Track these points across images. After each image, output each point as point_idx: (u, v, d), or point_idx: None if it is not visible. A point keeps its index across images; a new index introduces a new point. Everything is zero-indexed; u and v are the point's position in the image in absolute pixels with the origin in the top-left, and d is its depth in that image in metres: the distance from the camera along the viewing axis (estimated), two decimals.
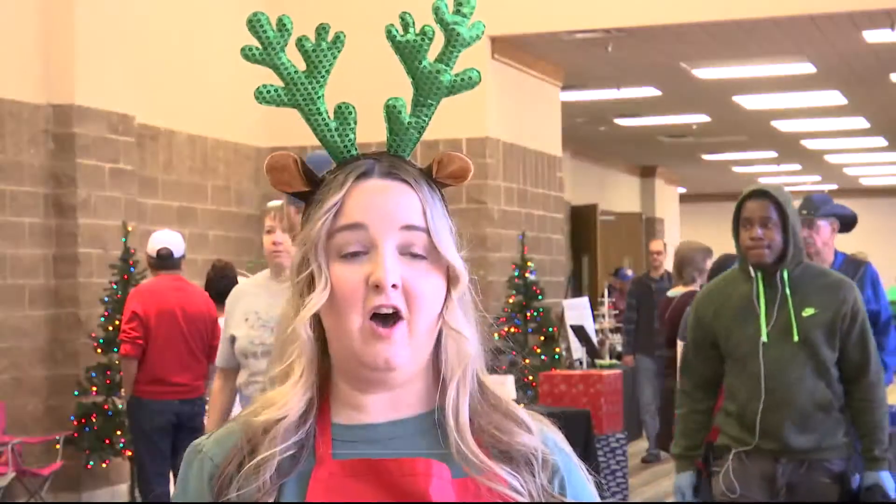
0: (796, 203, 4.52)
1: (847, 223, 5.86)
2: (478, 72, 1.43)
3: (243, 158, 10.60)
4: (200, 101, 9.92)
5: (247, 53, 1.41)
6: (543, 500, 1.37)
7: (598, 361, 9.85)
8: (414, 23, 1.40)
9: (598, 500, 1.45)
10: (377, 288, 1.33)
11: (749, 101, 14.75)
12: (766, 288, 4.17)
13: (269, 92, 1.41)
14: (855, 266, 5.84)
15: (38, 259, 8.23)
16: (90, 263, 8.40)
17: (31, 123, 8.17)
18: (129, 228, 8.52)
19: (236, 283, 6.85)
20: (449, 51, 1.41)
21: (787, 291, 4.13)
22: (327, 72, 1.41)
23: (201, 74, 9.83)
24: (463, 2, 1.41)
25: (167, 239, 6.88)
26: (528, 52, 10.98)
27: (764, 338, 4.12)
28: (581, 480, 1.43)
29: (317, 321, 1.38)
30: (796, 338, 4.09)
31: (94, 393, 8.26)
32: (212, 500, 1.36)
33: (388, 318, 1.34)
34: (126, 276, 8.26)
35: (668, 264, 9.92)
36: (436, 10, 1.41)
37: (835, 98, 14.45)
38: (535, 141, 11.42)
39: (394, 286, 1.33)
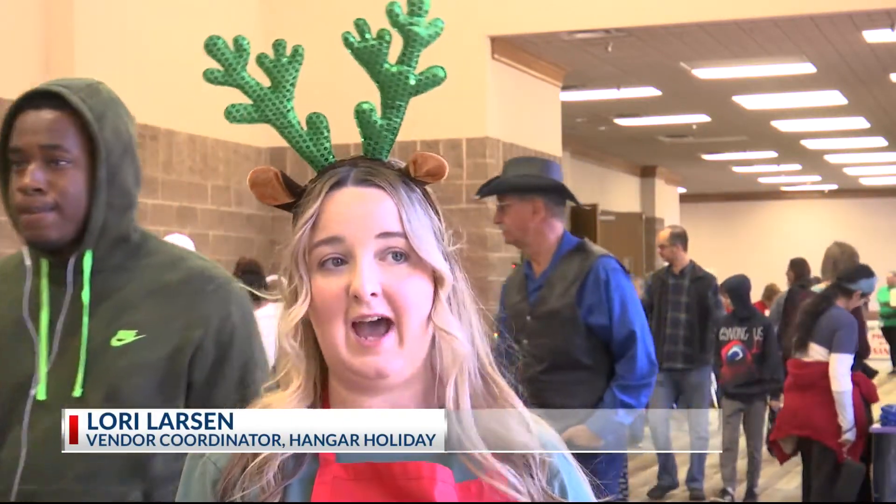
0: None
1: (558, 191, 4.32)
2: (443, 69, 1.42)
3: (243, 158, 10.60)
4: (200, 101, 9.89)
5: (209, 77, 1.42)
6: (543, 500, 1.37)
7: None
8: (369, 28, 1.40)
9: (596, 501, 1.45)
10: (357, 298, 1.33)
11: (749, 101, 14.75)
12: (52, 288, 2.17)
13: (238, 111, 1.42)
14: (583, 258, 4.22)
15: None
16: None
17: None
18: None
19: (263, 281, 6.71)
20: (409, 51, 1.41)
21: (85, 296, 2.13)
22: (292, 85, 1.42)
23: (201, 74, 9.82)
24: (416, 2, 1.41)
25: (179, 241, 6.89)
26: (528, 52, 10.97)
27: (40, 391, 2.10)
28: (580, 483, 1.43)
29: (310, 328, 1.39)
30: (78, 391, 2.07)
31: None
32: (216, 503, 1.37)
33: (377, 325, 1.34)
34: None
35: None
36: (389, 13, 1.41)
37: (835, 98, 14.45)
38: (535, 141, 11.41)
39: (373, 294, 1.34)
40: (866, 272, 6.93)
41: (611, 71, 12.44)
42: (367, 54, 1.40)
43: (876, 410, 7.21)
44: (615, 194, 19.97)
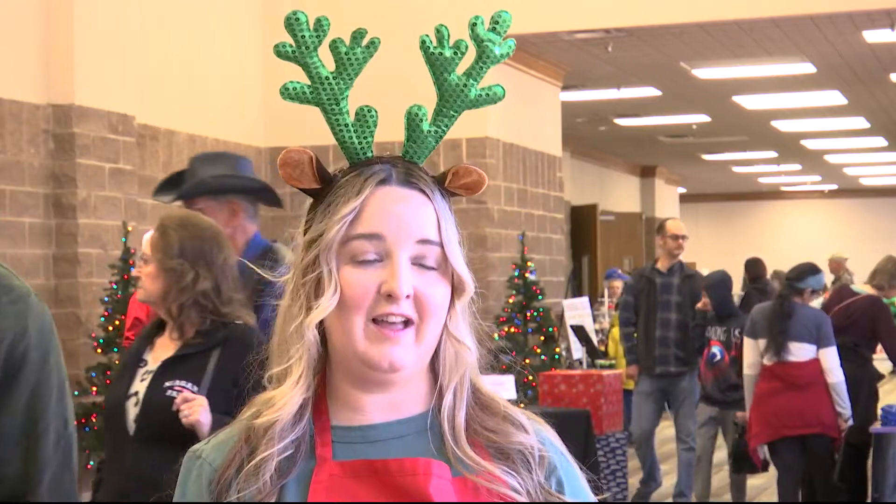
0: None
1: (261, 192, 4.07)
2: (502, 88, 1.46)
3: None
4: (200, 101, 9.91)
5: (279, 50, 1.42)
6: (541, 498, 1.38)
7: (598, 361, 9.83)
8: (449, 36, 1.42)
9: (594, 498, 1.46)
10: (390, 297, 1.34)
11: (749, 101, 14.75)
12: None
13: (294, 89, 1.42)
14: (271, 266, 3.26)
15: (38, 259, 8.23)
16: (90, 263, 8.39)
17: (31, 123, 8.17)
18: (129, 228, 8.52)
19: None
20: (479, 66, 1.45)
21: None
22: (356, 74, 1.43)
23: (201, 74, 9.83)
24: (499, 20, 1.44)
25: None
26: (528, 52, 10.97)
27: None
28: (577, 479, 1.44)
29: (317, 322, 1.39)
30: None
31: (94, 393, 8.25)
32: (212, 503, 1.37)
33: (395, 324, 1.35)
34: (126, 276, 8.26)
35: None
36: (472, 26, 1.45)
37: (835, 98, 14.45)
38: (535, 141, 11.41)
39: (407, 296, 1.34)
40: (812, 270, 7.14)
41: (611, 71, 12.44)
42: (441, 61, 1.43)
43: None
44: (615, 194, 19.98)
